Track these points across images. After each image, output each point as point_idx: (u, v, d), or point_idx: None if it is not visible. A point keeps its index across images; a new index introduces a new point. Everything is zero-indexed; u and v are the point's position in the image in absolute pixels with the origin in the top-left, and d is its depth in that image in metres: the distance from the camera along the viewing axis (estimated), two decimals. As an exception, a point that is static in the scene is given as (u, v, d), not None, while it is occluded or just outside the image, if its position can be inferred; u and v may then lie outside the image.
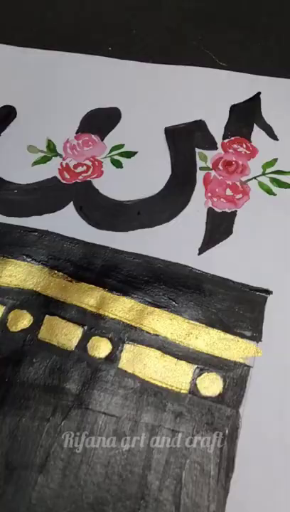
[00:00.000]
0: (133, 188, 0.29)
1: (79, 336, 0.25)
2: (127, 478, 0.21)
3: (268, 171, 0.29)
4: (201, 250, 0.27)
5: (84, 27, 0.37)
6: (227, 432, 0.22)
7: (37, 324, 0.25)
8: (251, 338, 0.24)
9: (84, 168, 0.30)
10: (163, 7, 0.37)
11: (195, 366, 0.24)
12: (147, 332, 0.24)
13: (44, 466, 0.21)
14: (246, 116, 0.31)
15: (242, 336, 0.24)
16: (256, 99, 0.32)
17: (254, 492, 0.20)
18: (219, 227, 0.27)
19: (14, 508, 0.20)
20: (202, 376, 0.23)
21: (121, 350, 0.24)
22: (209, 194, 0.28)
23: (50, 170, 0.31)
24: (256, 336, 0.24)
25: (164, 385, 0.23)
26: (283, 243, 0.26)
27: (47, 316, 0.25)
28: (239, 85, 0.32)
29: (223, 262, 0.26)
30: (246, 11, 0.36)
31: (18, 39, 0.36)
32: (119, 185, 0.29)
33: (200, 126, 0.31)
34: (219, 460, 0.21)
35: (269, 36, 0.34)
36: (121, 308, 0.25)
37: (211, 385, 0.23)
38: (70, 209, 0.29)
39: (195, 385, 0.23)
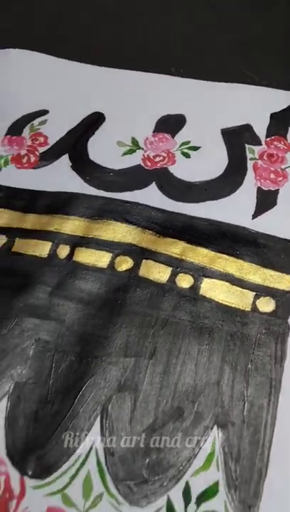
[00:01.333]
0: (200, 173, 0.39)
1: (169, 273, 0.34)
2: (209, 368, 0.30)
3: None
4: (254, 216, 0.36)
5: (151, 52, 0.47)
6: (279, 334, 0.31)
7: (137, 266, 0.35)
8: None
9: (161, 158, 0.40)
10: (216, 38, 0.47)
11: (255, 293, 0.33)
12: (218, 270, 0.34)
13: (152, 356, 0.31)
14: (283, 121, 0.41)
15: (287, 273, 0.33)
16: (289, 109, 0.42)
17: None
18: (266, 201, 0.37)
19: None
20: (260, 299, 0.33)
21: (201, 283, 0.33)
22: (257, 177, 0.38)
23: (135, 159, 0.40)
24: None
25: (233, 305, 0.33)
26: None
27: (143, 260, 0.35)
28: (276, 98, 0.42)
29: (270, 225, 0.36)
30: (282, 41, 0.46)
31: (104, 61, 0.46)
32: (188, 171, 0.39)
33: (247, 128, 0.41)
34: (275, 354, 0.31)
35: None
36: (198, 254, 0.34)
37: (266, 305, 0.32)
38: (153, 187, 0.39)
39: (255, 305, 0.32)
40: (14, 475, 0.27)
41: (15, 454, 0.28)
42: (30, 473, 0.27)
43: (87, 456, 0.27)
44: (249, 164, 0.39)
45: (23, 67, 0.46)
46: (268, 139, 0.40)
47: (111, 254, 0.35)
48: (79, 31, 0.49)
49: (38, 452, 0.28)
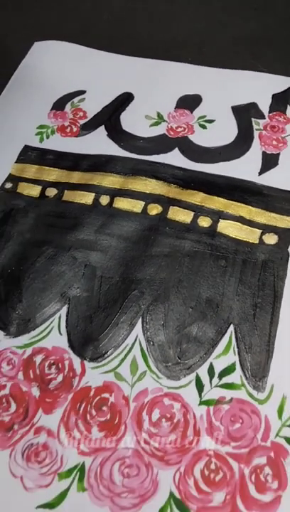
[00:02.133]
0: (215, 141, 0.47)
1: (192, 216, 0.42)
2: (226, 285, 0.38)
3: None
4: (259, 174, 0.44)
5: (174, 46, 0.55)
6: (280, 259, 0.39)
7: (165, 211, 0.43)
8: None
9: (182, 128, 0.48)
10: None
11: (261, 230, 0.41)
12: (231, 213, 0.42)
13: (179, 276, 0.39)
14: (282, 100, 0.49)
15: (287, 215, 0.42)
16: (288, 90, 0.50)
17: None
18: (269, 162, 0.45)
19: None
20: (266, 235, 0.41)
21: (217, 223, 0.41)
22: (262, 144, 0.46)
23: (160, 130, 0.48)
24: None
25: (244, 239, 0.41)
26: None
27: (170, 206, 0.43)
28: (276, 82, 0.51)
29: (272, 180, 0.44)
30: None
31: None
32: (205, 139, 0.47)
33: (254, 105, 0.49)
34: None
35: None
36: (215, 202, 0.42)
37: (271, 238, 0.40)
38: (176, 151, 0.47)
39: (262, 239, 0.40)
40: (76, 360, 0.35)
41: (76, 345, 0.36)
42: (88, 358, 0.35)
43: (132, 345, 0.35)
44: (255, 134, 0.47)
45: (65, 55, 0.55)
46: (270, 114, 0.48)
47: (143, 202, 0.43)
48: (110, 25, 0.57)
49: (94, 343, 0.35)
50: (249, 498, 0.29)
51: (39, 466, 0.31)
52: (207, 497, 0.29)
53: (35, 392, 0.34)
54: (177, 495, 0.29)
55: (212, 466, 0.30)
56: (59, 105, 0.51)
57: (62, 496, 0.30)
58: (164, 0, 0.60)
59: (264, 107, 0.49)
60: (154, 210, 0.42)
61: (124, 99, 0.51)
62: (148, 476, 0.30)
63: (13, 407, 0.33)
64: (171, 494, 0.29)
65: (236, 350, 0.35)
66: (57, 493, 0.30)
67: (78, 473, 0.30)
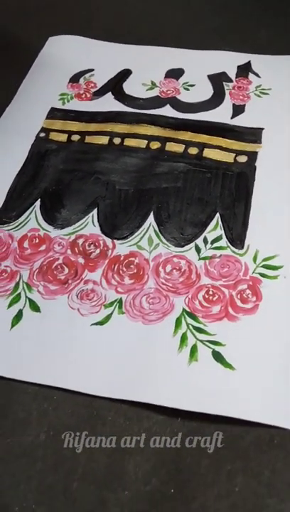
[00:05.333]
0: (196, 98, 0.61)
1: (183, 147, 0.55)
2: (212, 190, 0.52)
3: (258, 88, 0.61)
4: (231, 118, 0.58)
5: (161, 34, 0.69)
6: (250, 170, 0.53)
7: (163, 145, 0.56)
8: (255, 142, 0.55)
9: (171, 91, 0.62)
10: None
11: (235, 154, 0.55)
12: (213, 144, 0.55)
13: (178, 186, 0.52)
14: (245, 69, 0.64)
15: (253, 143, 0.55)
16: (248, 63, 0.65)
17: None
18: (238, 110, 0.59)
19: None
20: (239, 156, 0.54)
21: (203, 151, 0.55)
22: (232, 98, 0.60)
23: (154, 92, 0.62)
24: (257, 141, 0.55)
25: (223, 160, 0.54)
26: (270, 108, 0.58)
27: (167, 142, 0.56)
28: (240, 58, 0.65)
29: (241, 122, 0.57)
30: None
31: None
32: (189, 98, 0.61)
33: (224, 73, 0.63)
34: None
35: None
36: (200, 138, 0.56)
37: (242, 159, 0.54)
38: (168, 107, 0.60)
39: (236, 159, 0.54)
40: (108, 240, 0.48)
41: (107, 231, 0.48)
42: (115, 238, 0.48)
43: (148, 227, 0.48)
44: (227, 92, 0.61)
45: (76, 44, 0.69)
46: (237, 79, 0.63)
47: (146, 141, 0.56)
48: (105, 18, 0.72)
49: (120, 229, 0.48)
50: (236, 307, 0.42)
51: (90, 302, 0.43)
52: (208, 309, 0.42)
53: (81, 260, 0.46)
54: (187, 309, 0.42)
55: (210, 292, 0.43)
56: (74, 79, 0.64)
57: (108, 317, 0.42)
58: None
59: (232, 74, 0.63)
60: (155, 145, 0.55)
61: (125, 73, 0.64)
62: (167, 301, 0.43)
63: (66, 270, 0.46)
64: (183, 309, 0.42)
65: (221, 227, 0.48)
66: (104, 316, 0.42)
67: (118, 304, 0.43)
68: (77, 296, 0.43)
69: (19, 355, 0.40)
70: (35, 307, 0.43)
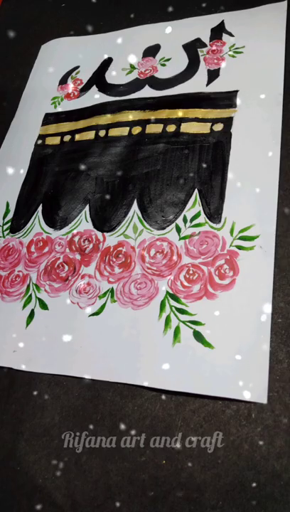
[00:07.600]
0: (173, 72, 0.58)
1: (162, 127, 0.54)
2: (190, 165, 0.50)
3: (231, 49, 0.57)
4: (207, 85, 0.55)
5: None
6: (226, 138, 0.50)
7: (144, 129, 0.55)
8: (231, 106, 0.52)
9: (149, 70, 0.60)
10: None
11: (211, 123, 0.52)
12: (189, 117, 0.53)
13: (159, 167, 0.51)
14: (219, 31, 0.59)
15: (228, 108, 0.52)
16: (222, 23, 0.60)
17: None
18: (213, 75, 0.55)
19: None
20: (215, 125, 0.52)
21: (180, 126, 0.53)
22: (207, 64, 0.57)
23: (134, 75, 0.60)
24: (232, 105, 0.52)
25: (199, 132, 0.52)
26: (245, 67, 0.54)
27: (147, 125, 0.55)
28: (213, 20, 0.60)
29: (216, 87, 0.54)
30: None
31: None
32: (166, 73, 0.58)
33: (198, 40, 0.59)
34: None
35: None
36: (177, 113, 0.54)
37: (218, 127, 0.51)
38: (147, 88, 0.58)
39: (212, 128, 0.51)
40: (99, 234, 0.49)
41: (98, 225, 0.50)
42: (106, 231, 0.49)
43: (132, 217, 0.49)
44: (201, 58, 0.57)
45: (63, 46, 0.68)
46: (211, 42, 0.58)
47: (128, 127, 0.55)
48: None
49: (108, 222, 0.49)
50: (215, 284, 0.42)
51: (86, 295, 0.45)
52: (189, 289, 0.42)
53: (78, 256, 0.48)
54: (170, 291, 0.43)
55: (191, 272, 0.43)
56: (63, 80, 0.64)
57: (102, 307, 0.44)
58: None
59: (206, 38, 0.59)
60: (136, 130, 0.55)
61: (106, 63, 0.63)
62: (152, 285, 0.44)
63: (66, 267, 0.48)
64: (167, 292, 0.43)
65: (200, 203, 0.47)
66: (99, 306, 0.44)
67: (110, 293, 0.45)
68: (76, 291, 0.46)
69: (34, 350, 0.44)
70: (44, 305, 0.46)
